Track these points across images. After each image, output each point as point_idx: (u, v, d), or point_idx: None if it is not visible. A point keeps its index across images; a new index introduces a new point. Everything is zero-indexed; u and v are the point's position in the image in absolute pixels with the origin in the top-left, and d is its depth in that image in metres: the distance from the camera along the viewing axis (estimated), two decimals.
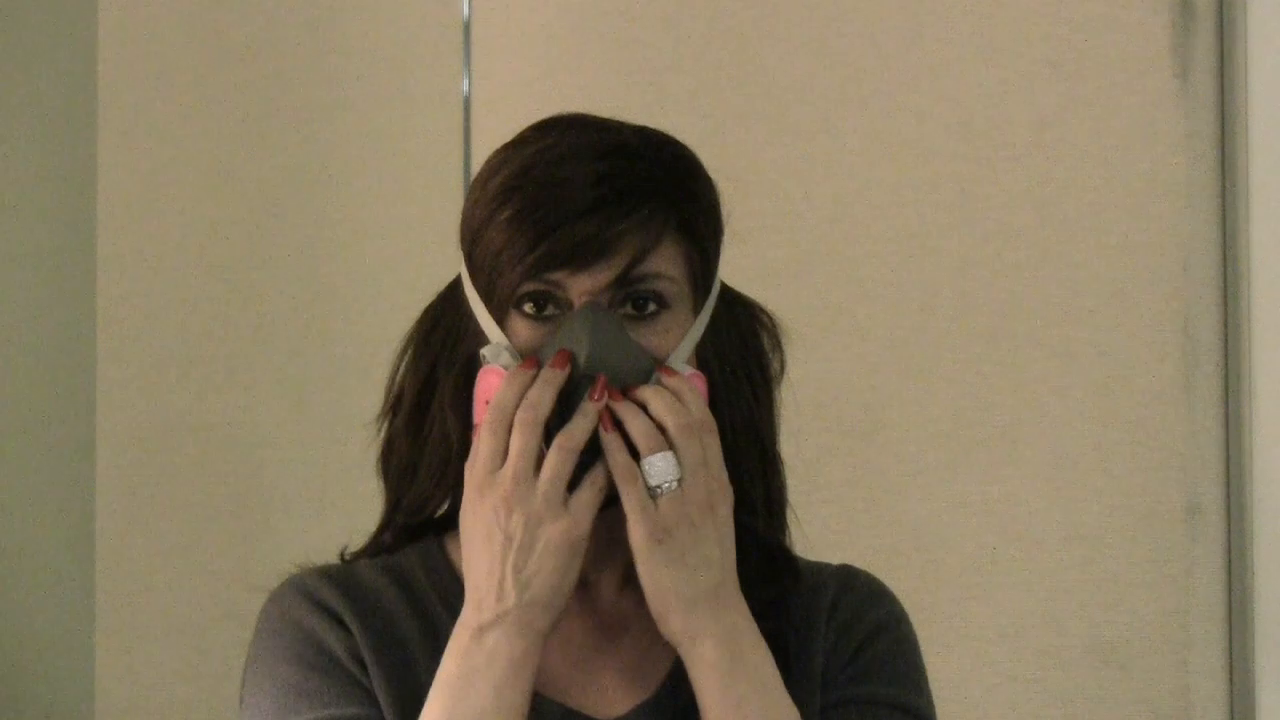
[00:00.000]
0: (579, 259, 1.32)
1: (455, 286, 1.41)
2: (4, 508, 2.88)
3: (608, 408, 1.31)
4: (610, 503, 1.33)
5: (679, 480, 1.31)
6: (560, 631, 1.39)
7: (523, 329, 1.35)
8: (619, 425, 1.31)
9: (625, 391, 1.32)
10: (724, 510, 1.33)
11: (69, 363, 2.85)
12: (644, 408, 1.32)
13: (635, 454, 1.32)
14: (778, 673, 1.33)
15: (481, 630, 1.30)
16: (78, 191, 2.84)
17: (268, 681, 1.38)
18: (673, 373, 1.34)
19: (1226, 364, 2.12)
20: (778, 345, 1.44)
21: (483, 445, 1.32)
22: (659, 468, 1.31)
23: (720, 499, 1.33)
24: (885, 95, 2.27)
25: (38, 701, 2.86)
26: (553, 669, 1.39)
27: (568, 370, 1.32)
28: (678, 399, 1.32)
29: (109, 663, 2.76)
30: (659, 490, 1.31)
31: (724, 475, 1.33)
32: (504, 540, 1.30)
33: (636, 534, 1.31)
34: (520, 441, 1.30)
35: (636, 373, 1.33)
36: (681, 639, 1.32)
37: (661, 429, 1.32)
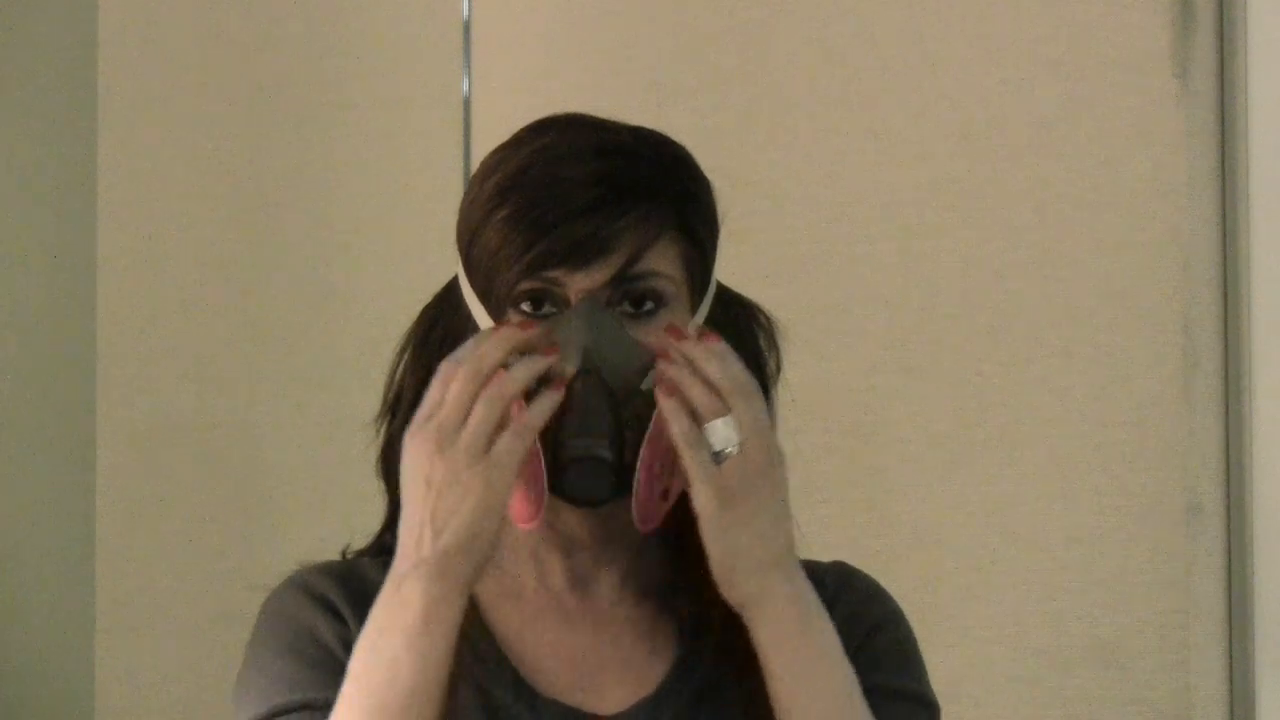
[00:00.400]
0: (577, 257, 1.32)
1: (452, 287, 1.41)
2: (4, 508, 2.88)
3: (662, 373, 1.31)
4: (605, 501, 1.33)
5: (739, 444, 1.30)
6: (558, 631, 1.40)
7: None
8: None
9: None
10: (782, 473, 1.32)
11: (69, 363, 2.85)
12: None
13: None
14: (839, 640, 1.33)
15: (399, 581, 1.29)
16: (78, 191, 2.84)
17: (257, 674, 1.38)
18: (708, 334, 1.33)
19: (1226, 364, 2.12)
20: (774, 345, 1.44)
21: (428, 395, 1.31)
22: (721, 433, 1.30)
23: (778, 461, 1.32)
24: (885, 95, 2.27)
25: (38, 701, 2.85)
26: (550, 668, 1.39)
27: (534, 331, 1.32)
28: (725, 361, 1.31)
29: (109, 663, 2.76)
30: (722, 455, 1.30)
31: (776, 438, 1.32)
32: (425, 488, 1.29)
33: (704, 499, 1.29)
34: (457, 390, 1.29)
35: (633, 371, 1.33)
36: (751, 602, 1.31)
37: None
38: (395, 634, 1.28)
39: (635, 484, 1.32)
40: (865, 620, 1.42)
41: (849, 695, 1.32)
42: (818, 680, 1.31)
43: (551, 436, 1.31)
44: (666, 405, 1.30)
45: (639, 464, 1.32)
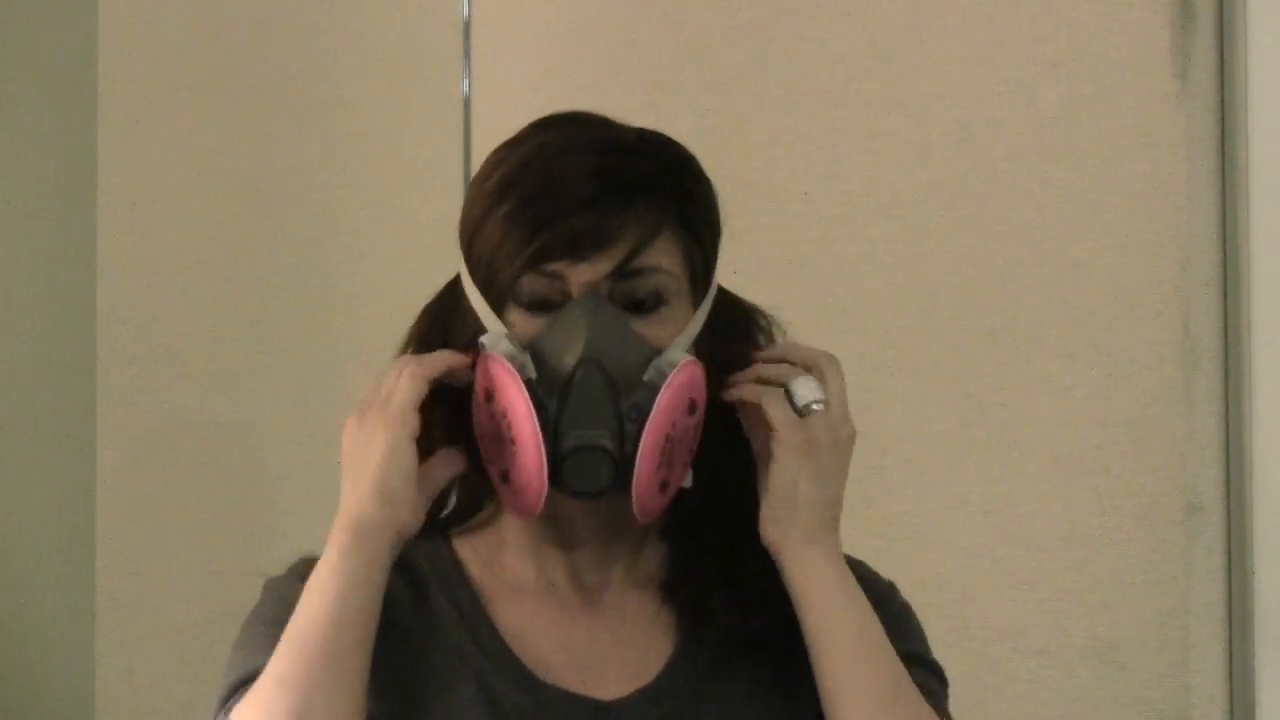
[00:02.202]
0: (578, 250, 1.33)
1: (453, 286, 1.42)
2: (4, 508, 2.88)
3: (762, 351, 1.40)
4: (605, 492, 1.33)
5: (824, 403, 1.37)
6: (560, 624, 1.41)
7: (522, 320, 1.35)
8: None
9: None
10: (851, 447, 1.39)
11: (69, 363, 2.85)
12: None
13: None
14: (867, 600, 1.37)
15: (331, 540, 1.34)
16: (78, 191, 2.84)
17: (239, 647, 1.41)
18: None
19: (1226, 364, 2.12)
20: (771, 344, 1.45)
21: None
22: (808, 386, 1.37)
23: (851, 434, 1.39)
24: (885, 95, 2.27)
25: (38, 701, 2.86)
26: (553, 659, 1.40)
27: (470, 359, 1.36)
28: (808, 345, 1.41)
29: (109, 663, 2.76)
30: (809, 409, 1.37)
31: (849, 415, 1.40)
32: (345, 454, 1.35)
33: (788, 443, 1.35)
34: (392, 377, 1.35)
35: (635, 363, 1.33)
36: (794, 549, 1.35)
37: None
38: (316, 577, 1.33)
39: (635, 475, 1.32)
40: (870, 593, 1.42)
41: (881, 640, 1.35)
42: (850, 625, 1.34)
43: (551, 427, 1.32)
44: (758, 356, 1.39)
45: (639, 455, 1.32)
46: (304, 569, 1.41)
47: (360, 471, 1.33)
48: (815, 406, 1.37)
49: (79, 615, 2.79)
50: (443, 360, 1.36)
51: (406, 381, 1.33)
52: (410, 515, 1.34)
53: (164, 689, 2.71)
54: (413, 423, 1.33)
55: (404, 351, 1.43)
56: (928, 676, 1.41)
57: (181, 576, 2.71)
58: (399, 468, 1.32)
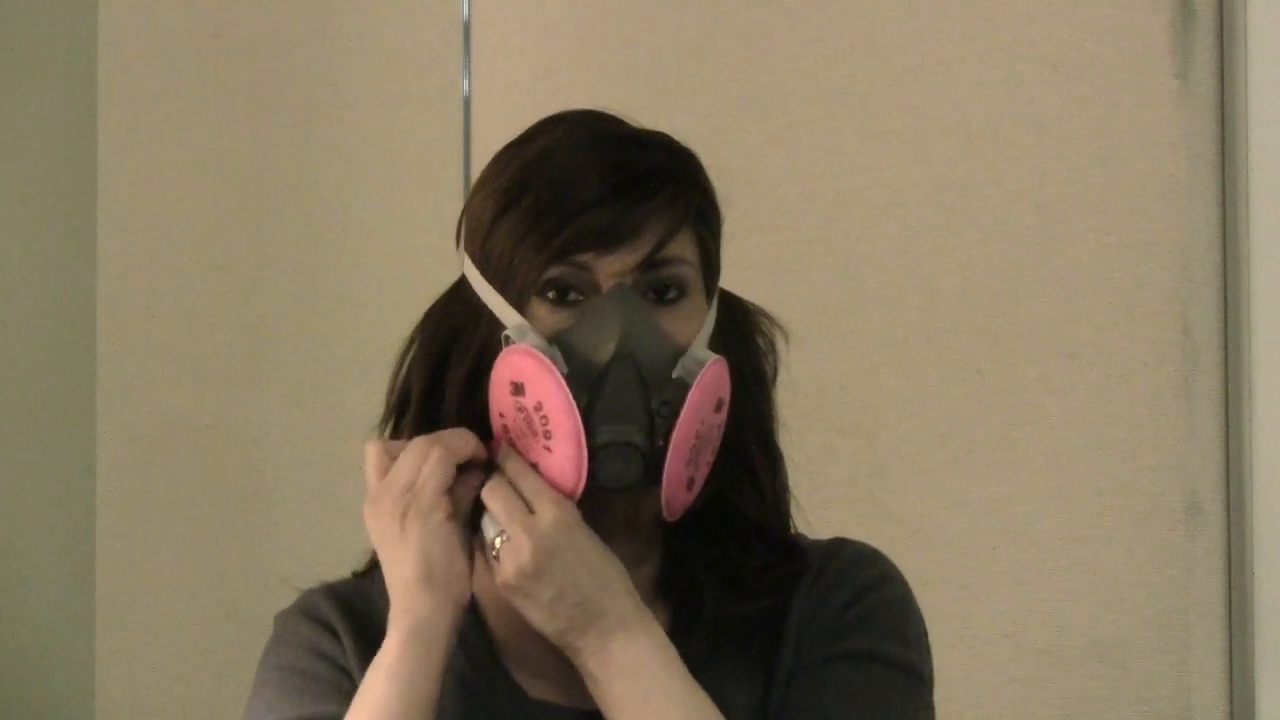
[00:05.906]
0: (606, 240, 1.32)
1: (457, 289, 1.41)
2: (4, 508, 2.88)
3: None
4: (634, 488, 1.33)
5: (502, 533, 1.33)
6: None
7: (546, 314, 1.34)
8: None
9: None
10: (577, 537, 1.34)
11: (69, 363, 2.85)
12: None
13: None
14: (692, 687, 1.33)
15: (391, 631, 1.34)
16: (78, 191, 2.84)
17: (260, 690, 1.41)
18: None
19: (1226, 364, 2.12)
20: (773, 349, 1.45)
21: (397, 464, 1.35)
22: (488, 525, 1.35)
23: (546, 530, 1.34)
24: (885, 95, 2.27)
25: (38, 701, 2.86)
26: (547, 670, 1.39)
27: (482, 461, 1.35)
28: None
29: (109, 663, 2.76)
30: (493, 548, 1.34)
31: (548, 519, 1.34)
32: (381, 545, 1.34)
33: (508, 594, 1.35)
34: (411, 461, 1.34)
35: (665, 360, 1.33)
36: (585, 663, 1.33)
37: None
38: (379, 669, 1.33)
39: (665, 472, 1.32)
40: (848, 586, 1.41)
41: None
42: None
43: (584, 422, 1.31)
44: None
45: (669, 452, 1.32)
46: (308, 604, 1.43)
47: (401, 565, 1.32)
48: (498, 542, 1.33)
49: (79, 615, 2.79)
50: (468, 444, 1.35)
51: (434, 468, 1.33)
52: (466, 586, 1.34)
53: (164, 689, 2.71)
54: (445, 506, 1.33)
55: (406, 353, 1.42)
56: (890, 674, 1.39)
57: (181, 576, 2.71)
58: (442, 555, 1.32)
